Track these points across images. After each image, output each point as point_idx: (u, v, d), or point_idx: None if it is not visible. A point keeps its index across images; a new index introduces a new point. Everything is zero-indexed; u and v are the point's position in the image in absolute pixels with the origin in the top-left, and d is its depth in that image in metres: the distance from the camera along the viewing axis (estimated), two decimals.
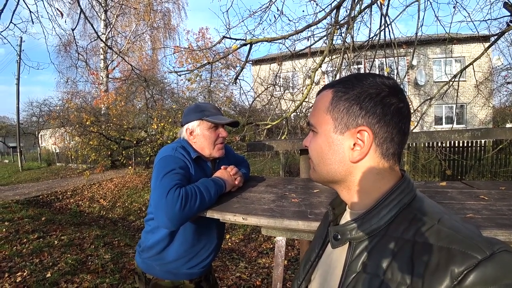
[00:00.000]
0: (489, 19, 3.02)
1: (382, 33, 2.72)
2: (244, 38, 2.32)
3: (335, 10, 2.47)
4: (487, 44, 2.89)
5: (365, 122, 0.49)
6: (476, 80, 4.30)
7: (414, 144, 6.91)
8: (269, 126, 3.33)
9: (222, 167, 1.32)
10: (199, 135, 1.27)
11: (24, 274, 2.97)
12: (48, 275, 2.96)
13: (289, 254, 3.97)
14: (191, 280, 1.29)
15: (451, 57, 12.26)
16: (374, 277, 0.44)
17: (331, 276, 0.53)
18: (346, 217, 0.56)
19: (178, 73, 2.62)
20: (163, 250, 1.23)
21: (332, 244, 0.53)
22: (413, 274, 0.40)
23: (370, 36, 2.89)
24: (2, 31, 3.21)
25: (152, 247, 1.24)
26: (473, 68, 3.14)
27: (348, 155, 0.51)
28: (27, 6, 3.06)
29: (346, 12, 2.77)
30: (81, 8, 2.81)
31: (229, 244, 4.64)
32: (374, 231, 0.48)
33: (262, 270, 3.48)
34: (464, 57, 12.49)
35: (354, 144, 0.50)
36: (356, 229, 0.50)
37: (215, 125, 1.26)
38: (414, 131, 2.44)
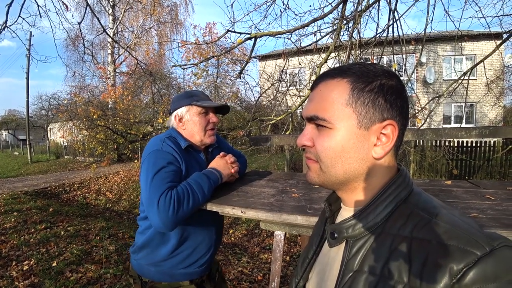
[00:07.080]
0: (501, 15, 2.93)
1: (390, 28, 2.67)
2: (249, 32, 2.30)
3: (341, 4, 2.42)
4: (499, 42, 2.80)
5: (390, 115, 0.46)
6: (487, 79, 4.20)
7: (421, 142, 6.81)
8: (273, 121, 3.31)
9: (220, 154, 1.26)
10: (188, 121, 1.20)
11: (31, 263, 3.05)
12: (54, 264, 3.03)
13: (292, 250, 3.98)
14: (191, 281, 1.19)
15: (462, 54, 11.98)
16: (371, 276, 0.43)
17: (328, 274, 0.52)
18: (343, 214, 0.54)
19: (183, 67, 2.61)
20: (155, 248, 1.16)
21: (330, 243, 0.52)
22: (410, 272, 0.39)
23: (378, 32, 2.84)
24: (11, 25, 3.25)
25: (143, 247, 1.18)
26: (484, 66, 3.06)
27: (372, 152, 0.47)
28: (35, 0, 3.09)
29: (354, 6, 2.72)
30: (87, 2, 2.82)
31: (232, 239, 4.66)
32: (371, 228, 0.47)
33: (264, 265, 3.49)
34: (475, 54, 12.23)
35: (376, 139, 0.47)
36: (352, 227, 0.48)
37: (205, 111, 1.20)
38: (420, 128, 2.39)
